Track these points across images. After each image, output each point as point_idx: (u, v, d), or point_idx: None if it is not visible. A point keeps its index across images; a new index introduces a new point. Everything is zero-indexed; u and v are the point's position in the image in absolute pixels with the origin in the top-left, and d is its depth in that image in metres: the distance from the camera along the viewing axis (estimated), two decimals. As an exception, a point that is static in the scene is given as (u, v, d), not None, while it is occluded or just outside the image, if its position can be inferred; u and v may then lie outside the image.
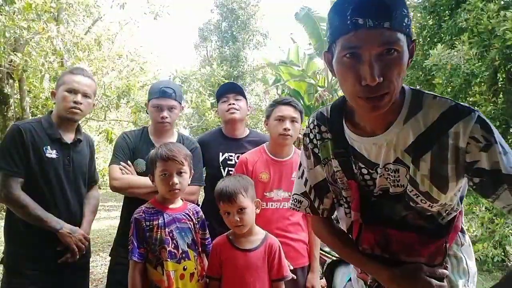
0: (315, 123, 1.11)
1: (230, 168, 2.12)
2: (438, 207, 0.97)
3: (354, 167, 1.03)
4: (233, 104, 2.15)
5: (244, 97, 2.23)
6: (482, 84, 4.36)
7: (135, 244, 1.53)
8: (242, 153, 2.12)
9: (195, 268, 1.58)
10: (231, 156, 2.15)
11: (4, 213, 1.88)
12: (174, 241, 1.55)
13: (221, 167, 2.12)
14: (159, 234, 1.54)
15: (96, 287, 3.89)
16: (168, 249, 1.53)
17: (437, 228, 1.00)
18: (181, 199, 1.70)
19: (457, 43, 4.42)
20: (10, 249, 1.77)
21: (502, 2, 4.37)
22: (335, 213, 1.19)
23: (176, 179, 1.57)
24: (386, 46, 0.80)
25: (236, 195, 1.55)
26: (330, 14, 0.87)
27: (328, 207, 1.16)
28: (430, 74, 4.89)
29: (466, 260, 1.08)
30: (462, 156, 0.89)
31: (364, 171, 1.02)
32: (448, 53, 4.41)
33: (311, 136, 1.12)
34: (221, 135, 2.25)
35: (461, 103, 0.91)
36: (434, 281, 0.95)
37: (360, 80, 0.82)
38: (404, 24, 0.82)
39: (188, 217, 1.63)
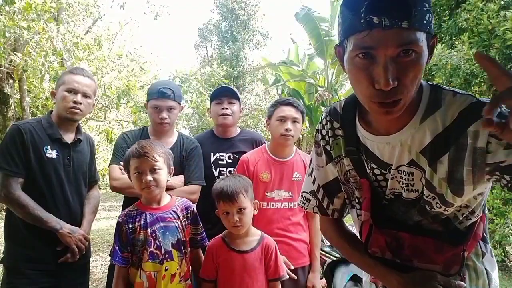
0: (328, 119, 1.04)
1: (221, 168, 2.14)
2: (453, 209, 0.90)
3: (366, 167, 0.98)
4: (226, 108, 2.15)
5: (238, 99, 2.24)
6: (482, 84, 4.36)
7: (116, 248, 1.53)
8: (233, 152, 2.15)
9: (177, 269, 1.55)
10: (222, 156, 2.16)
11: (4, 213, 1.88)
12: (157, 242, 1.53)
13: (213, 167, 2.14)
14: (141, 235, 1.53)
15: (96, 287, 3.89)
16: (149, 250, 1.51)
17: (454, 233, 0.92)
18: (169, 195, 1.68)
19: (457, 43, 4.43)
20: (10, 249, 1.76)
21: (502, 2, 4.37)
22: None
23: (149, 177, 1.54)
24: (403, 47, 0.73)
25: (237, 195, 1.54)
26: (342, 7, 0.80)
27: (338, 207, 1.10)
28: (430, 74, 4.89)
29: (487, 273, 0.98)
30: (481, 158, 0.80)
31: (377, 171, 0.96)
32: (448, 53, 4.42)
33: (324, 132, 1.06)
34: (212, 135, 2.27)
35: (484, 99, 0.82)
36: None
37: (373, 83, 0.76)
38: (425, 21, 0.74)
39: (175, 215, 1.60)
